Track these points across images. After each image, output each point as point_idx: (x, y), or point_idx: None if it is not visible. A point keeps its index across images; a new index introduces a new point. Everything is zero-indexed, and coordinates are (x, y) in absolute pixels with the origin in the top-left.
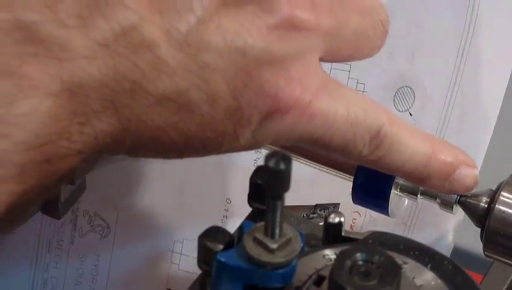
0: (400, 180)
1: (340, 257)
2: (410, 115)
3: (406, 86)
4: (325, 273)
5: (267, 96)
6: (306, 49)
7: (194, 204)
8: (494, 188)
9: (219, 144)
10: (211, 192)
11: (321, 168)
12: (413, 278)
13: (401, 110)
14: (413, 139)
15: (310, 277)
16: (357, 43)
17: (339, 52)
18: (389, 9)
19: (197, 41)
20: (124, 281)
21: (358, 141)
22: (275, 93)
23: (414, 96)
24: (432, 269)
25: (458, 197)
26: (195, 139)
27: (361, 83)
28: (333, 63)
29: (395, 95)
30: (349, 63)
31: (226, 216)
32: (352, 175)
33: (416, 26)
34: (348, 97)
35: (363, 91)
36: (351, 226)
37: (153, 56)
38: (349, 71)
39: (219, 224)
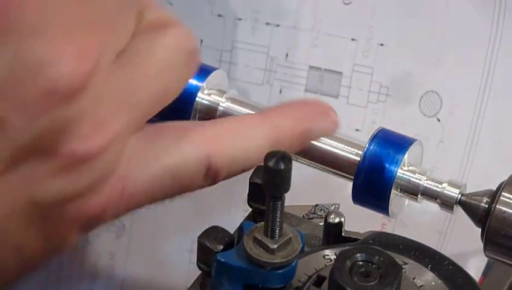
0: (400, 180)
1: (340, 257)
2: (438, 120)
3: (432, 91)
4: (325, 273)
5: (72, 221)
6: (104, 169)
7: (213, 202)
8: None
9: (53, 253)
10: (231, 189)
11: (321, 168)
12: (414, 278)
13: (428, 115)
14: (247, 141)
15: (310, 277)
16: (165, 99)
17: (145, 120)
18: (412, 13)
19: None
20: (140, 281)
21: (190, 182)
22: (79, 213)
23: (441, 102)
24: (433, 269)
25: (458, 198)
26: (19, 275)
27: (384, 86)
28: (355, 63)
29: (420, 100)
30: (372, 65)
31: (247, 210)
32: (352, 175)
33: (441, 29)
34: (164, 150)
35: (387, 94)
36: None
37: None
38: (372, 74)
39: (239, 221)
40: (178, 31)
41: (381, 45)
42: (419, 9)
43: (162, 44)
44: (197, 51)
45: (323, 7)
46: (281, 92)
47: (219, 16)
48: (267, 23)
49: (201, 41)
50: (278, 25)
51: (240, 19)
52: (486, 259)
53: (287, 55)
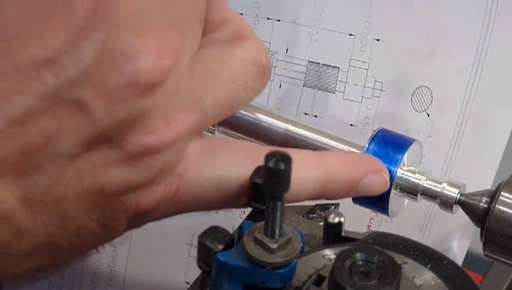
0: (400, 180)
1: (340, 257)
2: (428, 115)
3: (424, 86)
4: (325, 273)
5: (128, 211)
6: (166, 165)
7: None
8: None
9: (104, 242)
10: None
11: None
12: (413, 278)
13: (418, 110)
14: (299, 176)
15: (310, 276)
16: (230, 108)
17: (208, 125)
18: (407, 9)
19: (53, 198)
20: (142, 274)
21: (235, 199)
22: (136, 204)
23: (432, 97)
24: (432, 269)
25: (458, 197)
26: (71, 258)
27: (379, 82)
28: (351, 58)
29: (412, 95)
30: (367, 60)
31: (244, 211)
32: None
33: (435, 26)
34: (223, 162)
35: (381, 90)
36: (368, 226)
37: (11, 225)
38: (367, 69)
39: (237, 219)
40: (255, 46)
41: (377, 40)
42: (415, 4)
43: (238, 56)
44: (269, 66)
45: (323, 2)
46: (280, 87)
47: None
48: (268, 18)
49: None
50: (278, 20)
51: (241, 14)
52: (464, 252)
53: (287, 50)
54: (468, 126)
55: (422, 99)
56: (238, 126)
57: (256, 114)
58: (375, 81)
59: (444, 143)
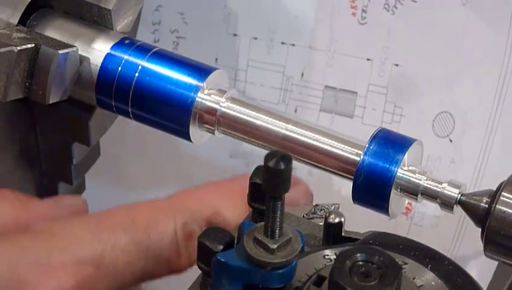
0: (400, 181)
1: (340, 257)
2: (451, 141)
3: (445, 112)
4: (325, 273)
5: None
6: None
7: None
8: None
9: None
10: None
11: (321, 168)
12: (414, 278)
13: (440, 135)
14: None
15: (310, 277)
16: None
17: None
18: (427, 34)
19: None
20: None
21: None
22: None
23: (454, 122)
24: (432, 269)
25: (458, 197)
26: None
27: (398, 107)
28: (370, 83)
29: (434, 120)
30: (386, 85)
31: None
32: (352, 175)
33: (455, 51)
34: None
35: (401, 115)
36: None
37: None
38: (386, 94)
39: None
40: None
41: (396, 65)
42: (435, 29)
43: None
44: None
45: (339, 27)
46: (296, 111)
47: (234, 35)
48: (283, 43)
49: (216, 59)
50: (293, 45)
51: (256, 38)
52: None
53: (302, 74)
54: (493, 151)
55: (444, 124)
56: (238, 126)
57: (256, 114)
58: (395, 106)
59: (468, 168)
